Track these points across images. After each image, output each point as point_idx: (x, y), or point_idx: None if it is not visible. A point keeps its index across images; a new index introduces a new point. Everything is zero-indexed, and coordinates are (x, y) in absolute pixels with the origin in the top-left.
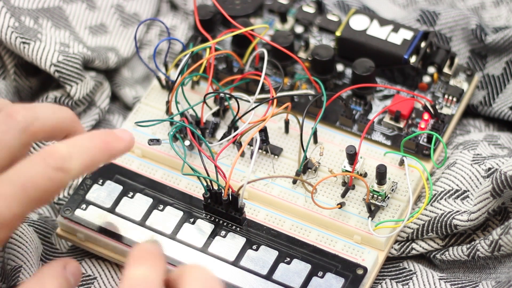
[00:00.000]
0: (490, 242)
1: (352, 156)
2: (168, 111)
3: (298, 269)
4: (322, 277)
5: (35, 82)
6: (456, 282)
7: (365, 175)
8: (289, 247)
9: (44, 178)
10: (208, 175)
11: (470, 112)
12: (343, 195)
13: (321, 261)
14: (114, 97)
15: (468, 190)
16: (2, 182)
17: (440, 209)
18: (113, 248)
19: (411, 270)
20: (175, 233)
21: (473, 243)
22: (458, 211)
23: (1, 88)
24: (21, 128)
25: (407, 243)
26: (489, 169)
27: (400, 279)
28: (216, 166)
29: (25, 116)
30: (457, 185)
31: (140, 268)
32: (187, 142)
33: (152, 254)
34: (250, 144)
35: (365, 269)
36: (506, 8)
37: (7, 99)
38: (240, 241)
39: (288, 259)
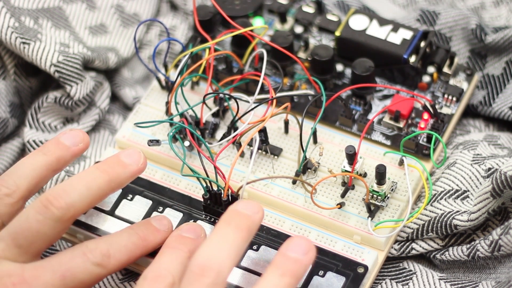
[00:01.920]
0: (490, 242)
1: (351, 156)
2: (167, 111)
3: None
4: (323, 276)
5: (35, 82)
6: (456, 282)
7: (364, 175)
8: None
9: (83, 272)
10: (208, 176)
11: (470, 112)
12: (342, 195)
13: (322, 260)
14: (114, 97)
15: (468, 190)
16: (43, 269)
17: (440, 209)
18: None
19: (411, 270)
20: None
21: (473, 243)
22: (458, 211)
23: (1, 88)
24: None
25: (407, 243)
26: (489, 169)
27: (400, 279)
28: (215, 167)
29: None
30: (457, 185)
31: None
32: (186, 143)
33: None
34: (250, 144)
35: (366, 268)
36: (506, 8)
37: (7, 99)
38: None
39: None
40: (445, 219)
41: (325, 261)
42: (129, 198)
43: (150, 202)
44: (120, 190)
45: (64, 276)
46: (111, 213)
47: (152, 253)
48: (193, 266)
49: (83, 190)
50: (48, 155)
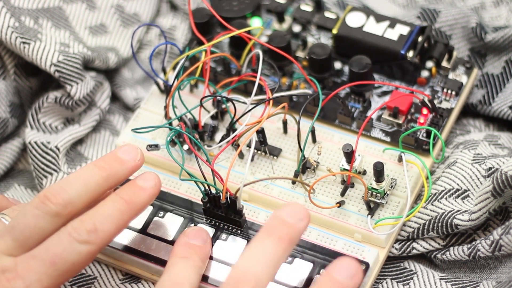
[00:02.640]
0: (491, 242)
1: (349, 155)
2: (166, 116)
3: (300, 268)
4: None
5: (35, 82)
6: (456, 282)
7: (364, 172)
8: None
9: (72, 253)
10: (206, 179)
11: (470, 112)
12: (342, 194)
13: (323, 259)
14: (115, 98)
15: (469, 190)
16: (34, 259)
17: (441, 208)
18: (114, 255)
19: (411, 270)
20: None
21: (473, 243)
22: (459, 211)
23: (1, 88)
24: (54, 213)
25: (408, 243)
26: (490, 168)
27: (401, 279)
28: (212, 170)
29: (58, 204)
30: (458, 184)
31: None
32: (185, 147)
33: None
34: (249, 145)
35: (367, 265)
36: (506, 8)
37: (7, 99)
38: (241, 243)
39: (290, 258)
40: (446, 218)
41: (326, 260)
42: None
43: (150, 208)
44: None
45: (53, 262)
46: None
47: (154, 259)
48: (230, 278)
49: (81, 187)
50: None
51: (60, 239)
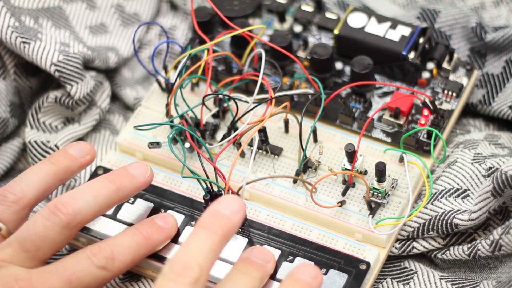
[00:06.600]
0: (491, 241)
1: (350, 154)
2: (168, 113)
3: None
4: (325, 273)
5: (35, 82)
6: (457, 282)
7: (365, 172)
8: (291, 246)
9: (88, 275)
10: (208, 177)
11: (470, 112)
12: (343, 193)
13: (324, 258)
14: (114, 97)
15: (469, 189)
16: (50, 273)
17: (441, 208)
18: None
19: (412, 270)
20: (177, 236)
21: (474, 242)
22: (458, 210)
23: (1, 88)
24: (65, 224)
25: (408, 242)
26: (490, 168)
27: (401, 279)
28: (215, 168)
29: (68, 214)
30: (458, 184)
31: None
32: (187, 145)
33: None
34: (251, 144)
35: (368, 264)
36: (506, 8)
37: (7, 99)
38: (242, 241)
39: (291, 257)
40: (446, 218)
41: (327, 258)
42: (130, 201)
43: (151, 205)
44: None
45: (70, 280)
46: (113, 217)
47: (154, 256)
48: (173, 267)
49: (90, 198)
50: (56, 164)
51: (78, 259)
